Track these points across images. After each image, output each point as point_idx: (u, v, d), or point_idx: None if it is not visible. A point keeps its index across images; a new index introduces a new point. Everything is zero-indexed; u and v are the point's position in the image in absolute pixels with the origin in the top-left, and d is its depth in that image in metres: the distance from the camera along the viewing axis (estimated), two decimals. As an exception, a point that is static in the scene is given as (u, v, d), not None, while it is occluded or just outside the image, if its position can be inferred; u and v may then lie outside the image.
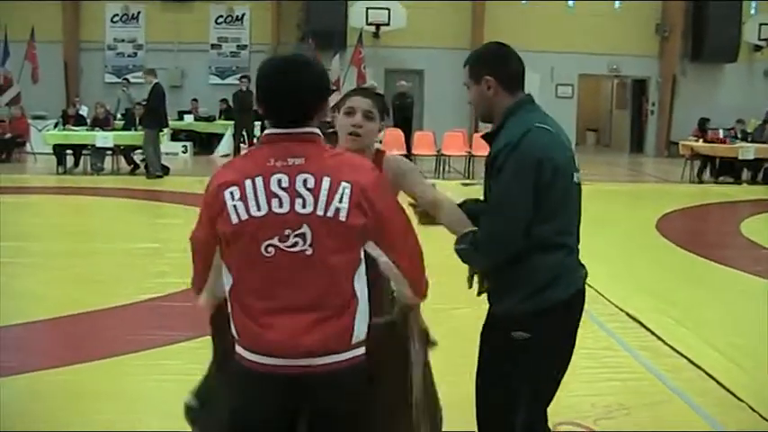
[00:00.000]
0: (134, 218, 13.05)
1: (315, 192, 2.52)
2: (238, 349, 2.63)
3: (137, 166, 17.92)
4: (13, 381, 5.39)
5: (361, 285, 2.62)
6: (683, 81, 26.29)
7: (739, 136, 19.76)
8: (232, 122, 21.05)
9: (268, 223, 2.52)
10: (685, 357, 6.07)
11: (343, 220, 2.53)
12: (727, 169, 19.31)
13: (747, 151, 18.76)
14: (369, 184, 2.58)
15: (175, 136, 21.85)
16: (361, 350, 2.64)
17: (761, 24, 25.74)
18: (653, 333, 6.67)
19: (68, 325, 6.78)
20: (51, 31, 23.45)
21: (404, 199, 3.62)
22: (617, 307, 7.41)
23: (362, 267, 2.64)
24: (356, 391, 2.62)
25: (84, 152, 18.33)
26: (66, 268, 8.88)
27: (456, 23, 25.19)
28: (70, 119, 19.14)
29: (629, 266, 9.56)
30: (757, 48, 26.13)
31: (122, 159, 18.15)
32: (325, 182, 2.53)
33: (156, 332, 6.32)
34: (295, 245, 2.52)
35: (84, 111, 20.79)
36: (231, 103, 21.46)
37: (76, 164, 18.46)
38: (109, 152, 18.06)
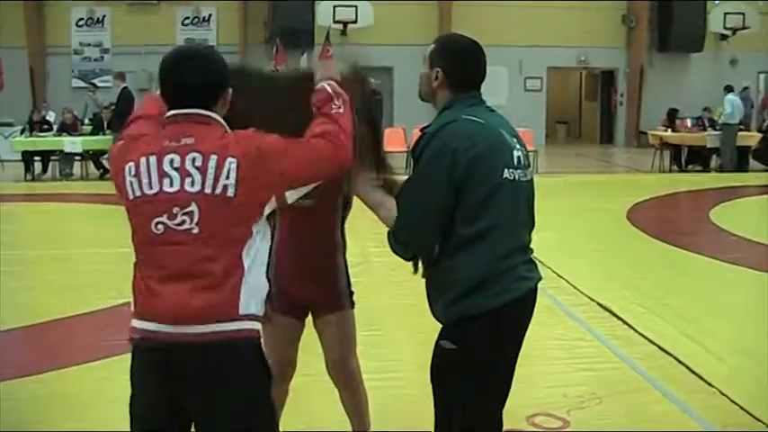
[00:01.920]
0: (105, 223, 12.91)
1: (202, 170, 2.60)
2: (132, 322, 2.69)
3: (106, 171, 17.78)
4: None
5: (251, 259, 2.66)
6: (651, 71, 26.51)
7: (707, 124, 19.95)
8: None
9: (158, 202, 2.61)
10: (656, 345, 6.12)
11: (231, 196, 2.59)
12: (696, 157, 19.52)
13: (715, 139, 18.95)
14: (253, 150, 2.63)
15: (145, 139, 21.69)
16: (252, 325, 2.67)
17: (725, 14, 25.96)
18: (624, 322, 6.72)
19: (42, 332, 6.73)
20: (15, 35, 23.22)
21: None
22: (588, 297, 7.47)
23: (255, 242, 2.68)
24: (244, 362, 2.66)
25: (52, 158, 18.21)
26: (38, 275, 8.80)
27: (423, 19, 25.21)
28: (36, 125, 18.98)
29: (600, 257, 9.64)
30: (723, 37, 26.38)
31: (91, 164, 18.04)
32: (213, 160, 2.60)
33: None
34: (182, 223, 2.59)
35: (51, 116, 20.61)
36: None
37: (45, 170, 18.31)
38: (77, 157, 17.94)
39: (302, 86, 3.02)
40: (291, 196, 2.72)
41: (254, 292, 2.67)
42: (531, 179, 3.19)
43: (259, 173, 2.62)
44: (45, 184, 17.31)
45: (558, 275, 8.21)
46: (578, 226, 11.66)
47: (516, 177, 3.05)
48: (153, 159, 2.62)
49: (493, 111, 3.19)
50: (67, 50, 24.83)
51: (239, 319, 2.62)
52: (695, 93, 24.59)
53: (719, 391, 5.21)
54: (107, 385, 5.45)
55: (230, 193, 2.59)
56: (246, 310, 2.64)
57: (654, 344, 6.16)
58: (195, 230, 2.59)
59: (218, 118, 2.72)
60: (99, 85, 22.67)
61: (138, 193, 2.63)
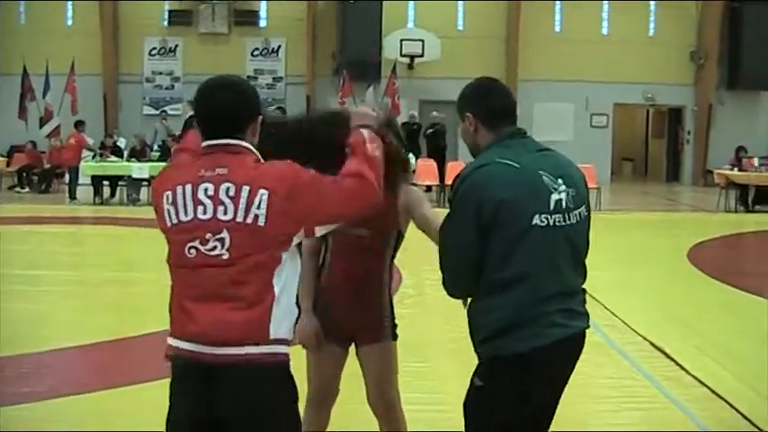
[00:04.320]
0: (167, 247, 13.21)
1: (235, 200, 2.71)
2: (168, 340, 2.82)
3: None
4: (42, 406, 5.51)
5: (281, 285, 2.75)
6: (720, 109, 26.12)
7: (775, 164, 19.62)
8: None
9: (192, 228, 2.74)
10: (708, 387, 6.01)
11: (262, 225, 2.71)
12: (763, 198, 19.15)
13: (784, 179, 18.62)
14: (287, 182, 2.72)
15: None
16: (283, 349, 2.76)
17: (798, 51, 25.55)
18: (677, 363, 6.61)
19: (99, 351, 6.91)
20: (91, 63, 23.91)
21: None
22: (641, 336, 7.38)
23: (285, 268, 2.77)
24: (274, 387, 2.75)
25: (120, 183, 18.66)
26: (100, 296, 9.03)
27: (490, 54, 25.27)
28: (107, 149, 19.50)
29: (657, 296, 9.52)
30: (795, 76, 25.92)
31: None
32: (245, 190, 2.71)
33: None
34: (213, 248, 2.72)
35: (121, 142, 21.15)
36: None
37: (113, 194, 18.78)
38: (145, 183, 18.35)
39: (334, 128, 3.13)
40: (319, 231, 2.84)
41: (284, 316, 2.77)
42: (579, 221, 3.13)
43: (290, 206, 2.71)
44: (112, 207, 17.73)
45: (612, 313, 8.14)
46: (637, 264, 11.54)
47: (552, 222, 3.02)
48: (188, 188, 2.75)
49: (542, 150, 3.17)
50: (140, 78, 25.46)
51: (270, 342, 2.72)
52: (765, 132, 24.21)
53: (770, 437, 5.12)
54: (158, 406, 5.56)
55: (261, 222, 2.70)
56: (277, 335, 2.74)
57: (706, 386, 6.05)
58: (225, 256, 2.71)
59: (250, 147, 2.83)
60: (169, 112, 23.22)
61: (174, 221, 2.77)
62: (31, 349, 6.73)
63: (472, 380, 3.12)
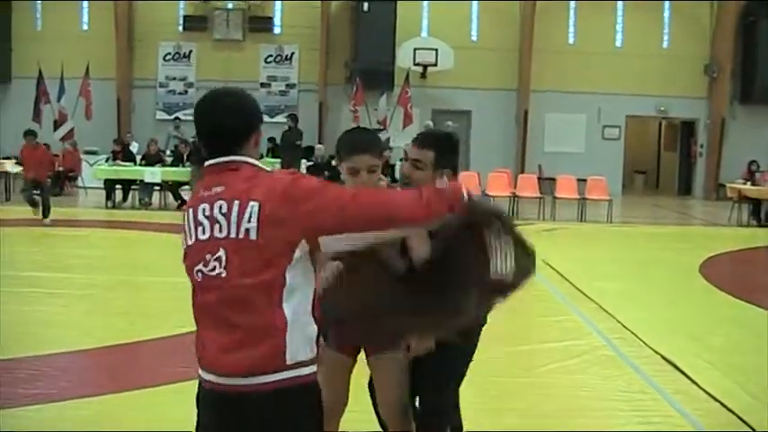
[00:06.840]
0: (179, 252, 13.22)
1: (228, 216, 2.63)
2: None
3: (183, 202, 18.20)
4: (53, 407, 5.51)
5: (293, 308, 2.62)
6: (733, 123, 26.04)
7: (788, 179, 19.53)
8: (279, 160, 21.15)
9: (196, 250, 2.69)
10: (719, 401, 5.98)
11: (254, 239, 2.59)
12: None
13: (797, 194, 18.53)
14: (279, 192, 2.61)
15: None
16: (302, 371, 2.64)
17: (811, 66, 25.46)
18: (688, 376, 6.58)
19: (108, 355, 6.91)
20: (105, 68, 24.00)
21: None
22: (652, 349, 7.33)
23: (294, 290, 2.64)
24: (292, 411, 2.64)
25: (132, 187, 18.72)
26: (111, 300, 9.06)
27: (503, 65, 25.32)
28: (119, 154, 19.56)
29: (669, 309, 9.45)
30: (809, 90, 25.81)
31: (170, 195, 18.47)
32: (236, 205, 2.62)
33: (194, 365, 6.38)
34: (214, 269, 2.64)
35: (134, 147, 21.22)
36: (279, 141, 21.60)
37: (125, 198, 18.83)
38: (157, 187, 18.39)
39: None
40: (329, 245, 2.69)
41: (302, 341, 2.64)
42: None
43: (284, 214, 2.59)
44: (124, 212, 17.77)
45: (624, 326, 8.11)
46: (649, 277, 11.48)
47: None
48: (191, 211, 2.72)
49: None
50: (153, 83, 25.54)
51: (287, 368, 2.62)
52: (778, 146, 24.12)
53: (781, 453, 5.08)
54: (168, 410, 5.57)
55: (252, 236, 2.59)
56: (295, 359, 2.63)
57: (716, 400, 6.02)
58: (223, 274, 2.62)
59: (248, 160, 2.73)
60: (182, 118, 23.29)
61: (185, 246, 2.74)
62: (42, 351, 6.74)
63: (446, 342, 3.51)
